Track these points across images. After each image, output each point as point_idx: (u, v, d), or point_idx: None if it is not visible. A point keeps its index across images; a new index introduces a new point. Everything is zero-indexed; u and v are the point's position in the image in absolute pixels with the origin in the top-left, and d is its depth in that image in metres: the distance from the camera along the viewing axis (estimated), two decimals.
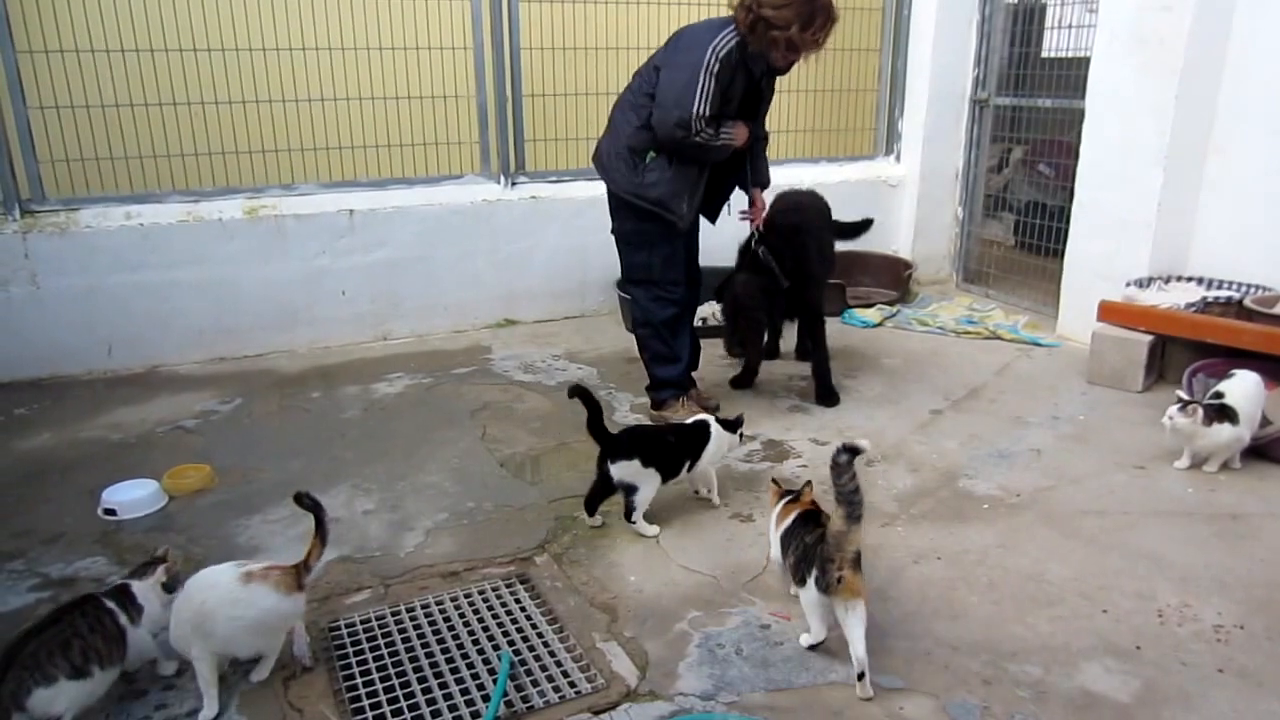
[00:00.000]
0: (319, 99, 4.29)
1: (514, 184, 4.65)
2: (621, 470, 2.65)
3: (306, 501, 2.16)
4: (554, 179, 4.71)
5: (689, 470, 2.79)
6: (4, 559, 2.60)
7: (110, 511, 2.82)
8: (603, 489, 2.71)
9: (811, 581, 2.08)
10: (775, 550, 2.34)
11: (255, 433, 3.46)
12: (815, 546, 2.09)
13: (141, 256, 4.02)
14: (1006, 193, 5.71)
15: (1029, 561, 2.55)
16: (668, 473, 2.72)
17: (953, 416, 3.58)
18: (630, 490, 2.67)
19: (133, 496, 2.85)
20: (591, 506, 2.75)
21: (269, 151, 4.27)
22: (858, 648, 2.02)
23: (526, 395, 3.79)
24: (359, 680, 2.10)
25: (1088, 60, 4.26)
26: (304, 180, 4.36)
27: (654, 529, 2.71)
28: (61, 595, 2.36)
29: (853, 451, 1.98)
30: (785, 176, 5.17)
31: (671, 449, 2.74)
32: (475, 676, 2.11)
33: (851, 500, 2.00)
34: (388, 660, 2.16)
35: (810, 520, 2.21)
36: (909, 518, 2.80)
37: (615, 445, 2.67)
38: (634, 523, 2.70)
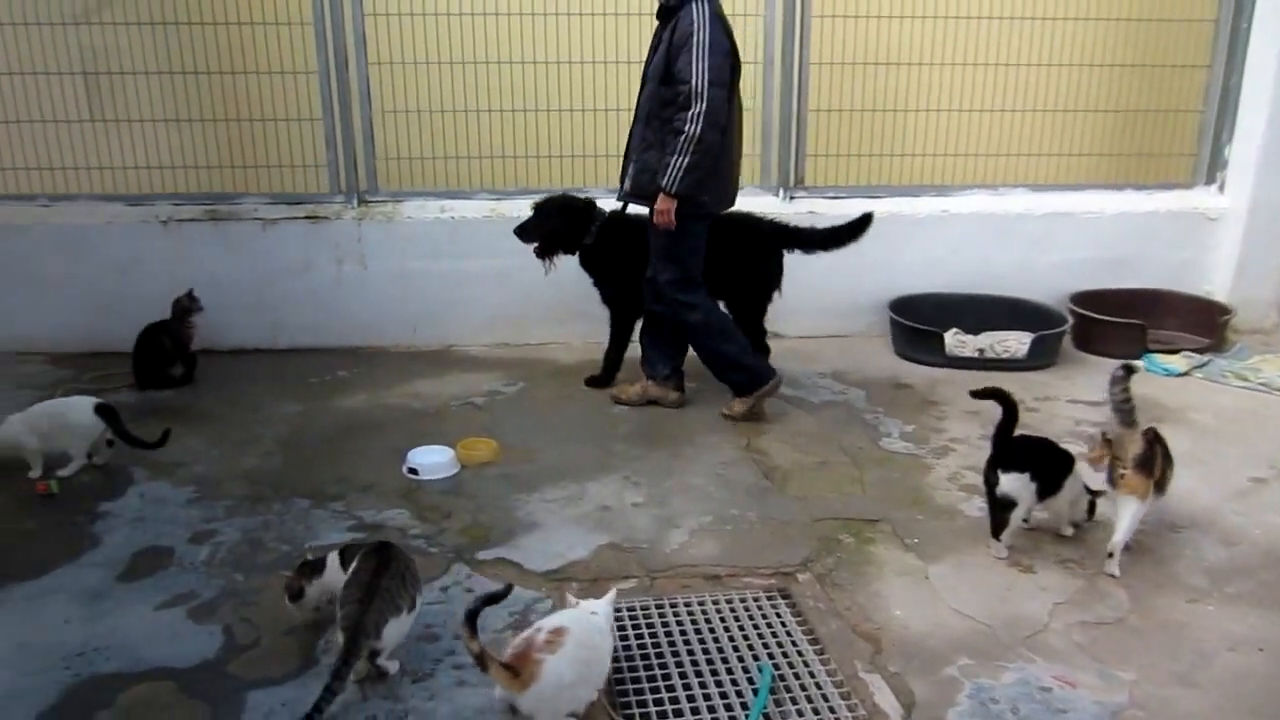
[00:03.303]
0: (603, 109, 4.48)
1: (792, 198, 4.63)
2: (1011, 483, 2.57)
3: None
4: (832, 195, 4.64)
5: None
6: (329, 500, 2.99)
7: (413, 471, 3.15)
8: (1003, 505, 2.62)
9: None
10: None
11: (535, 416, 3.72)
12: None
13: (449, 246, 4.46)
14: None
15: None
16: (1047, 490, 2.62)
17: (1279, 488, 3.11)
18: (1008, 506, 2.59)
19: (433, 460, 3.17)
20: (1000, 528, 2.64)
21: (565, 157, 4.56)
22: (1117, 534, 2.49)
23: (790, 410, 3.76)
24: (622, 662, 2.18)
25: None
26: (586, 184, 4.60)
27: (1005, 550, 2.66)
28: (372, 538, 2.66)
29: (1129, 370, 2.53)
30: (1081, 203, 4.80)
31: (1055, 463, 2.64)
32: (735, 683, 2.12)
33: (1123, 409, 2.56)
34: (650, 649, 2.24)
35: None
36: (1222, 596, 2.47)
37: (1008, 454, 2.60)
38: (1000, 540, 2.63)
